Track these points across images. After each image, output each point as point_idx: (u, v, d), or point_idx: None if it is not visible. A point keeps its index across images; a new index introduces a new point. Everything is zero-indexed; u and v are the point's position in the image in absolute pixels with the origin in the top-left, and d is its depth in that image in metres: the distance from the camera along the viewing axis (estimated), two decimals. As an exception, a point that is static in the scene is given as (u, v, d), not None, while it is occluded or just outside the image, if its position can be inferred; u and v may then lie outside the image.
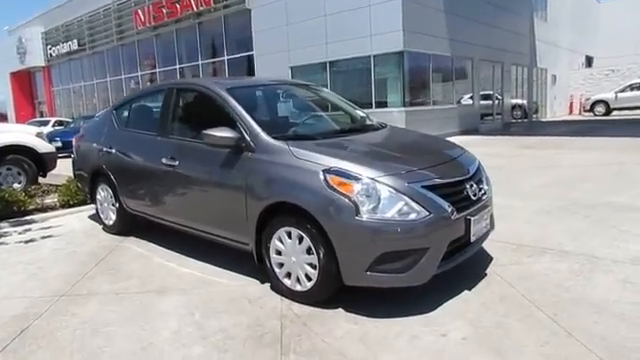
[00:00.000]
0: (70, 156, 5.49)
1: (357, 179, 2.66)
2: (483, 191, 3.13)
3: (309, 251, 2.80)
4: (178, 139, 3.70)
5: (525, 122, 20.21)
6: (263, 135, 3.13)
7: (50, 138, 9.08)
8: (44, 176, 7.30)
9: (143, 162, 4.00)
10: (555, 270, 3.29)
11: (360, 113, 4.19)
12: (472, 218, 2.85)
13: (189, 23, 18.23)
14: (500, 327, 2.55)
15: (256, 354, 2.40)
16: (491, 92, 17.41)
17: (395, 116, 12.45)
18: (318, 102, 4.29)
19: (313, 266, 2.80)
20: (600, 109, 21.71)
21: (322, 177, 2.71)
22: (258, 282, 3.29)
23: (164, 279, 3.48)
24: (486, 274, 3.28)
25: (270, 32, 15.14)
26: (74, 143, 5.13)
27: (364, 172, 2.69)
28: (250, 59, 16.22)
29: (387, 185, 2.64)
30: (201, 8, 17.21)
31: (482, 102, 16.95)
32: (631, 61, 25.54)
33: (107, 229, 4.76)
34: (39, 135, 7.35)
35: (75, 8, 23.92)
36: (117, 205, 4.46)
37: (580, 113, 24.25)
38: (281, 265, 3.00)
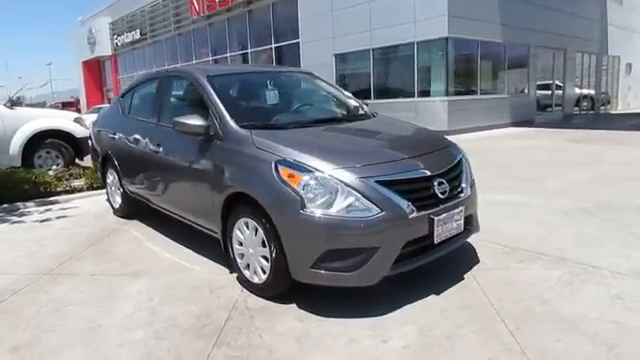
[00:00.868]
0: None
1: (306, 171, 2.55)
2: (458, 189, 2.90)
3: (264, 243, 2.74)
4: (163, 126, 3.75)
5: (590, 114, 18.65)
6: (231, 124, 3.09)
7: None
8: (81, 159, 7.77)
9: (138, 148, 4.11)
10: (542, 279, 2.99)
11: (353, 102, 4.03)
12: (436, 218, 2.65)
13: (239, 12, 18.55)
14: (450, 338, 2.36)
15: (190, 344, 2.40)
16: (550, 82, 16.21)
17: (437, 105, 11.97)
18: (310, 91, 4.17)
19: (267, 259, 2.74)
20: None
21: (274, 168, 2.63)
22: (228, 272, 3.28)
23: (144, 263, 3.57)
24: (464, 278, 3.05)
25: (315, 19, 15.03)
26: (90, 129, 5.39)
27: (316, 164, 2.58)
28: (296, 47, 16.22)
29: (337, 179, 2.51)
30: (251, -4, 17.43)
31: (541, 92, 15.84)
32: None
33: (115, 212, 4.98)
34: (77, 121, 7.82)
35: (138, -1, 25.16)
36: (121, 189, 4.64)
37: (659, 105, 22.01)
38: (242, 256, 2.97)
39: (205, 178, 3.15)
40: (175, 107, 3.85)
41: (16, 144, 6.97)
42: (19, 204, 5.43)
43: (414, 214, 2.57)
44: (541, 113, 15.80)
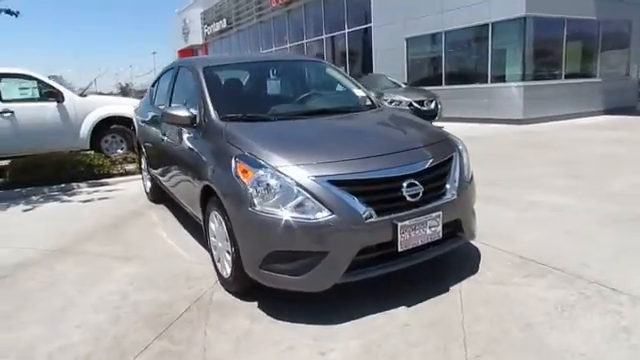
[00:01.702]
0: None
1: (259, 167, 2.43)
2: (439, 192, 2.58)
3: (227, 237, 2.69)
4: None
5: None
6: (213, 115, 3.07)
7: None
8: (143, 143, 8.33)
9: (155, 136, 4.27)
10: (540, 299, 2.57)
11: (359, 93, 3.77)
12: (400, 224, 2.38)
13: (316, -2, 18.50)
14: (393, 358, 2.12)
15: (138, 332, 2.44)
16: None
17: (512, 91, 10.95)
18: (313, 81, 3.98)
19: (229, 253, 2.69)
20: None
21: (233, 163, 2.55)
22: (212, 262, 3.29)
23: (144, 248, 3.71)
24: (448, 290, 2.73)
25: (388, 2, 14.47)
26: (133, 116, 5.73)
27: (272, 160, 2.45)
28: (368, 32, 15.82)
29: (287, 176, 2.36)
30: (327, -19, 17.28)
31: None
32: None
33: (147, 196, 5.26)
34: (141, 107, 8.37)
35: (227, -11, 26.21)
36: (149, 175, 4.89)
37: None
38: (216, 248, 2.96)
39: (190, 168, 3.19)
40: (180, 97, 3.91)
41: (85, 129, 7.65)
42: (74, 184, 5.98)
43: (372, 218, 2.33)
44: (646, 100, 13.76)
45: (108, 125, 7.86)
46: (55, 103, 7.36)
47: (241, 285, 2.69)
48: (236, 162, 2.52)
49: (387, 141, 2.76)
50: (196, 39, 31.79)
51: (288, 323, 2.46)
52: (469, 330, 2.30)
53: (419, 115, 10.87)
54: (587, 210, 4.10)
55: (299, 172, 2.37)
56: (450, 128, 11.31)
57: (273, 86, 3.71)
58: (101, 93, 22.23)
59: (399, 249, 2.41)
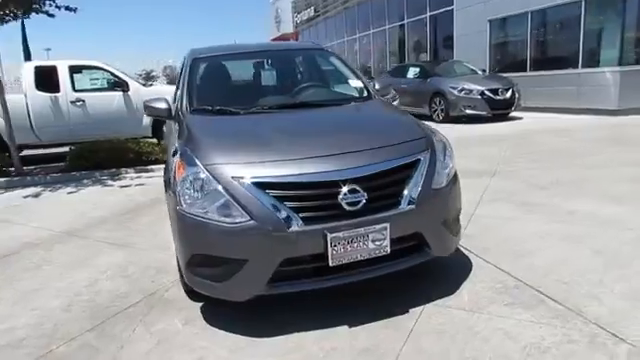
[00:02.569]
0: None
1: (191, 165, 2.30)
2: (388, 202, 2.23)
3: None
4: None
5: None
6: (184, 108, 3.02)
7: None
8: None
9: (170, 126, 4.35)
10: (510, 337, 2.12)
11: (355, 84, 3.44)
12: (330, 235, 2.09)
13: (398, -19, 17.75)
14: (297, 386, 1.88)
15: (77, 322, 2.48)
16: None
17: (606, 78, 9.48)
18: (304, 71, 3.70)
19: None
20: None
21: (175, 159, 2.46)
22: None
23: (144, 236, 3.81)
24: (407, 312, 2.38)
25: (471, -19, 13.35)
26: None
27: (204, 158, 2.30)
28: (450, 15, 14.78)
29: (214, 176, 2.20)
30: (409, -37, 16.46)
31: None
32: None
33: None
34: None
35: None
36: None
37: None
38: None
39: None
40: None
41: (147, 117, 8.15)
42: (122, 170, 6.40)
43: (297, 227, 2.08)
44: None
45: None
46: (121, 93, 7.93)
47: (184, 284, 2.60)
48: (176, 158, 2.43)
49: (341, 140, 2.44)
50: (287, 28, 32.48)
51: (217, 330, 2.33)
52: (393, 366, 1.97)
53: (492, 105, 10.05)
54: (638, 226, 3.36)
55: (226, 172, 2.19)
56: (529, 119, 10.20)
57: (259, 77, 3.54)
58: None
59: (330, 263, 2.13)
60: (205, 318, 2.44)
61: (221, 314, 2.44)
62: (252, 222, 2.08)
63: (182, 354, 2.15)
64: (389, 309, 2.39)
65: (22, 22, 11.03)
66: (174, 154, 2.56)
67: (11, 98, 6.97)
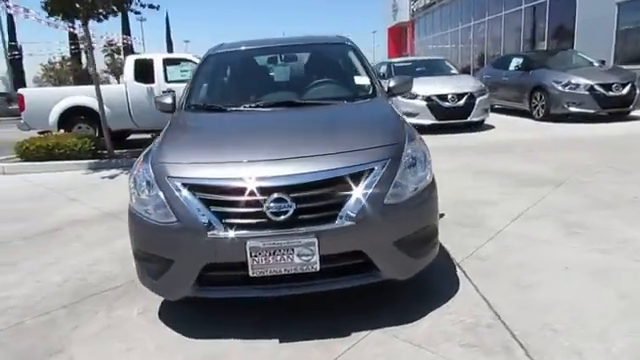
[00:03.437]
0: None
1: (144, 162, 2.38)
2: (320, 215, 2.03)
3: None
4: None
5: None
6: (182, 104, 3.10)
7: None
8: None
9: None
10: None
11: (361, 81, 3.18)
12: (249, 243, 1.99)
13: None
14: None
15: (55, 298, 2.71)
16: None
17: None
18: (314, 67, 3.47)
19: None
20: None
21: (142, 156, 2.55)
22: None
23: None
24: (348, 335, 2.17)
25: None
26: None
27: (158, 156, 2.35)
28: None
29: (155, 175, 2.24)
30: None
31: None
32: None
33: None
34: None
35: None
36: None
37: None
38: None
39: None
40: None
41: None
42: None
43: (217, 232, 2.02)
44: None
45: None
46: (206, 83, 8.50)
47: None
48: (145, 155, 2.51)
49: (296, 144, 2.25)
50: (404, 16, 31.70)
51: (162, 324, 2.38)
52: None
53: (603, 102, 8.55)
54: None
55: (166, 171, 2.21)
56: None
57: (264, 74, 3.46)
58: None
59: (250, 274, 2.03)
60: (160, 311, 2.50)
61: (177, 310, 2.47)
62: (178, 223, 2.07)
63: (117, 342, 2.24)
64: (333, 328, 2.20)
65: (166, 16, 12.21)
66: None
67: (114, 88, 7.92)
